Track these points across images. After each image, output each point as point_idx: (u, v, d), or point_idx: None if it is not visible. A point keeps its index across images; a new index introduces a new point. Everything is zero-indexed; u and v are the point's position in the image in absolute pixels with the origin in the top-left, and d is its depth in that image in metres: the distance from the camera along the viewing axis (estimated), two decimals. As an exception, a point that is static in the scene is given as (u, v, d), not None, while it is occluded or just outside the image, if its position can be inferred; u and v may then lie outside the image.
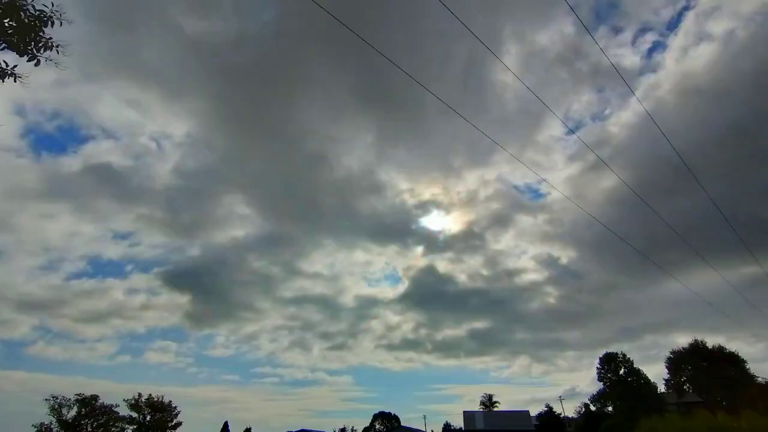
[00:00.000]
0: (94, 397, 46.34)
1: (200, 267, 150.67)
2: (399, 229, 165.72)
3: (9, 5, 6.49)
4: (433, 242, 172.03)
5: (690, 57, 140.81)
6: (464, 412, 71.06)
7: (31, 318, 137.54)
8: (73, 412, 44.73)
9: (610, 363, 52.03)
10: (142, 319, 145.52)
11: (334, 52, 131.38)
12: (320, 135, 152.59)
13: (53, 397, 44.36)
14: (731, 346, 68.18)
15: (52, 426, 43.49)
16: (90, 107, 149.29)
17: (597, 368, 52.89)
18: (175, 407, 51.66)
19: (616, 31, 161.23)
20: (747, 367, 49.62)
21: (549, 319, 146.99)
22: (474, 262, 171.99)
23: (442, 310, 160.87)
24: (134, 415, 48.76)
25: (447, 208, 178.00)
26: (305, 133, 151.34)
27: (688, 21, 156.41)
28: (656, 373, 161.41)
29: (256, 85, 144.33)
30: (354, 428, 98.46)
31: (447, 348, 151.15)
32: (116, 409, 47.28)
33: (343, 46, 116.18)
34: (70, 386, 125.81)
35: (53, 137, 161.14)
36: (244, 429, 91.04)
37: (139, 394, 49.80)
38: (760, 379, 49.69)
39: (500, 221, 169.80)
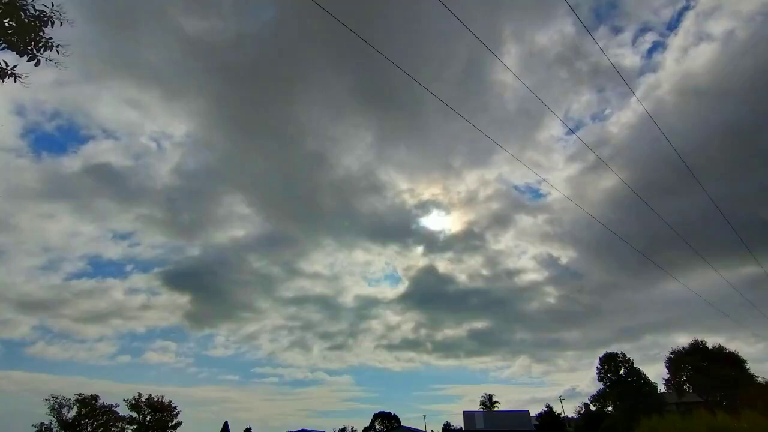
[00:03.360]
0: (94, 397, 46.34)
1: (200, 267, 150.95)
2: (399, 229, 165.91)
3: (9, 5, 6.49)
4: (433, 242, 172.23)
5: (690, 57, 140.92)
6: (464, 412, 71.11)
7: (31, 318, 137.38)
8: (73, 412, 44.75)
9: (610, 363, 52.01)
10: (142, 319, 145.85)
11: (334, 52, 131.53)
12: (320, 135, 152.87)
13: (53, 397, 44.42)
14: (731, 346, 68.36)
15: (52, 426, 43.48)
16: (90, 107, 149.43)
17: (597, 368, 52.94)
18: (175, 407, 51.67)
19: (616, 31, 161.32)
20: (747, 367, 49.70)
21: (549, 319, 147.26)
22: (474, 262, 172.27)
23: (442, 310, 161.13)
24: (134, 415, 48.74)
25: (447, 208, 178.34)
26: (305, 133, 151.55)
27: (688, 21, 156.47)
28: (656, 373, 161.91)
29: (256, 85, 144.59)
30: (354, 428, 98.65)
31: (447, 348, 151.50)
32: (116, 409, 47.32)
33: (343, 46, 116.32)
34: (70, 386, 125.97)
35: (53, 137, 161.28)
36: (244, 429, 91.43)
37: (139, 394, 49.82)
38: (760, 379, 49.60)
39: (500, 221, 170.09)
